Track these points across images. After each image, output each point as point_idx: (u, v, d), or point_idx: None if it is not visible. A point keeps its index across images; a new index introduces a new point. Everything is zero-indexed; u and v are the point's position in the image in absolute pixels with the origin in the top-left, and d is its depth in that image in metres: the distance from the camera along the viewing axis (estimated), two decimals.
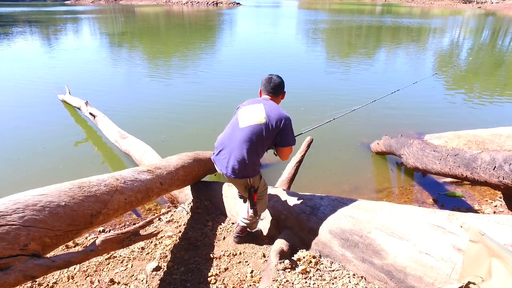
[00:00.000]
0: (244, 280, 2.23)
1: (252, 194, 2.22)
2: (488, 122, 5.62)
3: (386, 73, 9.61)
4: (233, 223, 2.89)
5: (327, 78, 8.97)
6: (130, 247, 2.53)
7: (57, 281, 2.25)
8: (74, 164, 4.33)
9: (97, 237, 2.28)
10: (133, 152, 3.93)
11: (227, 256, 2.48)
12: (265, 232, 2.67)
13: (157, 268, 2.32)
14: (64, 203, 1.76)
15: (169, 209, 3.31)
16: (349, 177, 4.12)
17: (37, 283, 2.22)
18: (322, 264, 2.19)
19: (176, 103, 6.70)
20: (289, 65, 10.40)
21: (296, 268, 2.14)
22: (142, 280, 2.24)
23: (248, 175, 2.16)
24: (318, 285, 2.00)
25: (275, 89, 2.27)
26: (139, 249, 2.57)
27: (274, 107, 2.20)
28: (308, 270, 2.13)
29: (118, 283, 2.22)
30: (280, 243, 2.31)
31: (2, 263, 1.47)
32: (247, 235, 2.64)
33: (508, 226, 1.68)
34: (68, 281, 2.25)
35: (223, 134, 2.26)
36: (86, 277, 2.28)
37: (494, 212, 3.36)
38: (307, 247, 2.34)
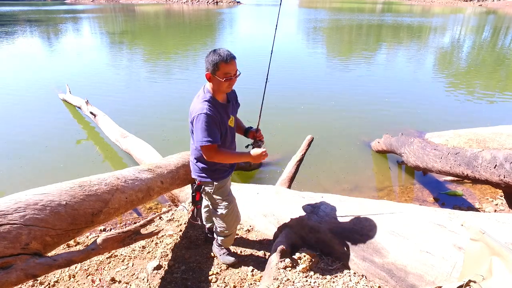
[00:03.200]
0: (245, 279, 2.23)
1: (194, 192, 2.13)
2: (489, 120, 5.61)
3: (386, 72, 9.60)
4: None
5: (327, 77, 8.96)
6: (131, 246, 2.54)
7: (58, 280, 2.26)
8: (75, 163, 4.34)
9: (98, 236, 2.29)
10: (133, 151, 3.94)
11: None
12: (266, 231, 2.67)
13: (158, 267, 2.33)
14: (65, 202, 1.77)
15: (170, 208, 3.31)
16: (349, 175, 4.12)
17: (38, 281, 2.23)
18: (322, 262, 2.20)
19: (176, 102, 6.70)
20: (288, 65, 10.38)
21: (297, 267, 2.14)
22: (143, 279, 2.24)
23: (193, 176, 2.11)
24: (318, 284, 2.01)
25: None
26: (140, 248, 2.57)
27: (196, 99, 1.91)
28: (308, 268, 2.13)
29: (119, 282, 2.23)
30: (281, 242, 2.32)
31: (3, 262, 1.47)
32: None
33: (508, 225, 1.68)
34: (69, 280, 2.26)
35: None
36: (88, 276, 2.28)
37: (495, 211, 3.35)
38: (308, 246, 2.34)
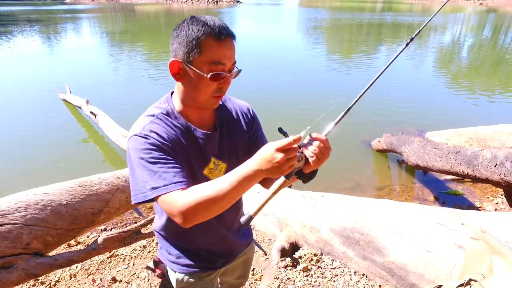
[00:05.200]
0: None
1: (153, 266, 1.38)
2: (489, 119, 5.60)
3: (386, 70, 9.58)
4: None
5: (328, 76, 8.95)
6: (131, 245, 2.54)
7: (59, 279, 2.26)
8: (75, 163, 4.34)
9: (99, 235, 2.29)
10: None
11: None
12: (266, 230, 2.68)
13: None
14: (65, 202, 1.77)
15: None
16: (350, 175, 4.11)
17: (39, 281, 2.23)
18: (323, 262, 2.20)
19: None
20: (289, 64, 10.38)
21: (298, 266, 2.14)
22: (143, 278, 2.24)
23: None
24: (319, 283, 2.01)
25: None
26: (140, 247, 2.57)
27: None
28: (309, 267, 2.13)
29: (120, 281, 2.23)
30: (282, 241, 2.32)
31: (5, 262, 1.47)
32: None
33: (509, 223, 1.68)
34: (70, 279, 2.26)
35: None
36: (88, 276, 2.29)
37: (496, 210, 3.35)
38: (309, 245, 2.34)
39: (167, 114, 0.97)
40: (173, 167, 0.86)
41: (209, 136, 1.00)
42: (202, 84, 0.89)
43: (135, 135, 0.90)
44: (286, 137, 0.78)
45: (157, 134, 0.91)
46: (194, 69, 0.88)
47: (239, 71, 0.95)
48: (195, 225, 0.85)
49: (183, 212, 0.79)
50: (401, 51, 1.02)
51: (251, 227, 1.25)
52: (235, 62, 0.92)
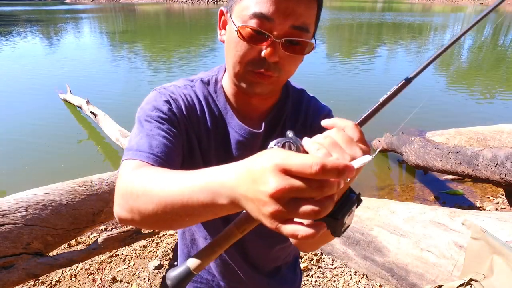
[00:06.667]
0: None
1: None
2: (490, 119, 5.60)
3: (386, 70, 9.59)
4: None
5: (327, 76, 8.95)
6: (132, 245, 2.54)
7: (60, 279, 2.27)
8: (75, 163, 4.34)
9: (99, 235, 2.29)
10: None
11: None
12: None
13: (159, 266, 2.33)
14: (66, 202, 1.77)
15: None
16: None
17: (40, 281, 2.23)
18: (323, 261, 2.20)
19: None
20: None
21: None
22: (144, 278, 2.25)
23: None
24: (319, 283, 2.01)
25: None
26: (141, 247, 2.58)
27: None
28: (309, 267, 2.13)
29: (121, 281, 2.23)
30: None
31: (5, 262, 1.48)
32: None
33: (509, 223, 1.68)
34: (71, 279, 2.26)
35: None
36: (89, 276, 2.29)
37: (496, 209, 3.35)
38: None
39: (207, 82, 0.73)
40: (166, 139, 0.60)
41: (249, 135, 0.69)
42: (234, 43, 0.61)
43: (155, 89, 0.71)
44: (296, 150, 0.41)
45: (177, 101, 0.68)
46: (231, 19, 0.63)
47: (311, 44, 0.61)
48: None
49: (119, 190, 0.53)
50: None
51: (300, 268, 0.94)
52: (302, 28, 0.58)
